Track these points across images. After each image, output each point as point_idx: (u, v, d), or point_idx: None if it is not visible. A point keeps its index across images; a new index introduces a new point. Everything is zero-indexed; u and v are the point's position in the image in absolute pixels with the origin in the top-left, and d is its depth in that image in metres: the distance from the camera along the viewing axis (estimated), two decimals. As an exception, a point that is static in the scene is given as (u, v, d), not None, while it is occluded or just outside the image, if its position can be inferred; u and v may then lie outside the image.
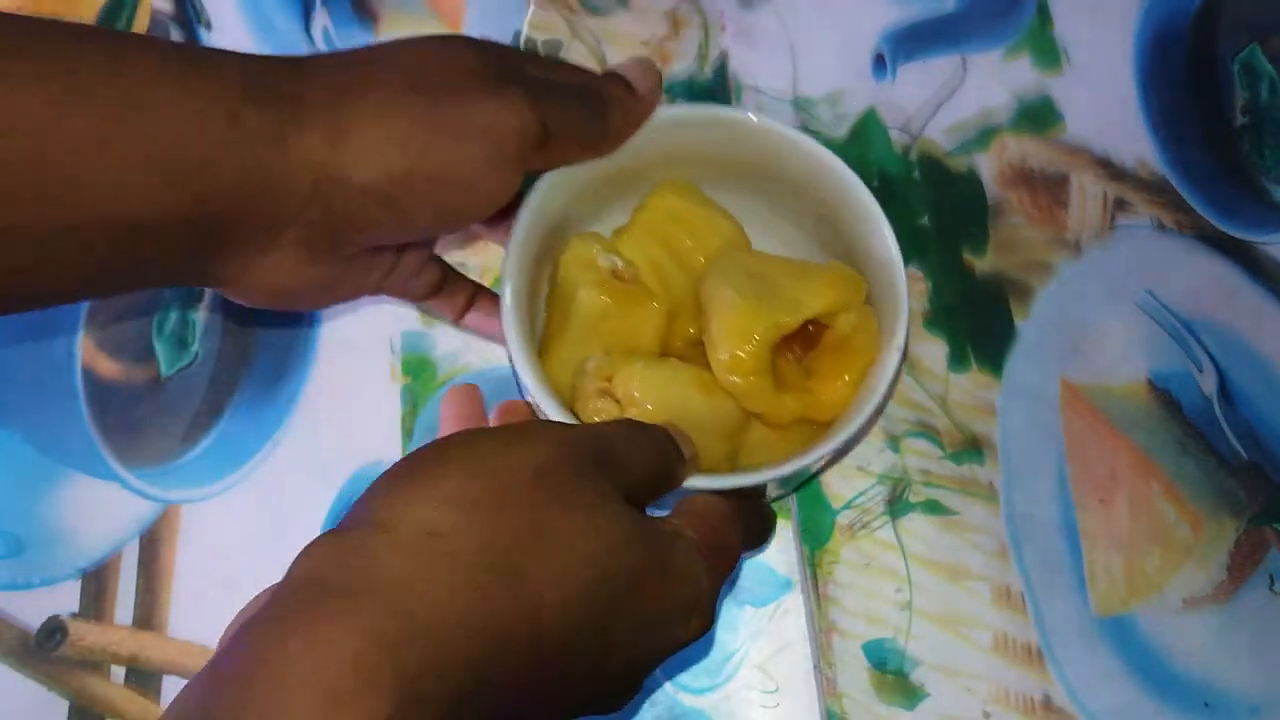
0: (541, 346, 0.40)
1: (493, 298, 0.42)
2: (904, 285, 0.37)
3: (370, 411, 0.46)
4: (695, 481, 0.35)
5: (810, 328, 0.38)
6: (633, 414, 0.36)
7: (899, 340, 0.37)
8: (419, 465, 0.29)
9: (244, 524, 0.44)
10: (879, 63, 0.51)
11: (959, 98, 0.50)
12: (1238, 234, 0.49)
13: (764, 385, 0.37)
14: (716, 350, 0.37)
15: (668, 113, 0.39)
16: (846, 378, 0.38)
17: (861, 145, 0.49)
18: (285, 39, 0.50)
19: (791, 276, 0.37)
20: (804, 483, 0.44)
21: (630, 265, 0.39)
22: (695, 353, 0.40)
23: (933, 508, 0.45)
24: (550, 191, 0.38)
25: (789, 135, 0.39)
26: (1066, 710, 0.43)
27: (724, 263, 0.39)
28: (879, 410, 0.37)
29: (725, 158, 0.41)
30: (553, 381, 0.37)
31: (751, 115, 0.40)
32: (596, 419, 0.36)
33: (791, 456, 0.37)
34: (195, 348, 0.46)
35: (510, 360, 0.37)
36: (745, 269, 0.38)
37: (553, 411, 0.36)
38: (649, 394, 0.36)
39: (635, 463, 0.32)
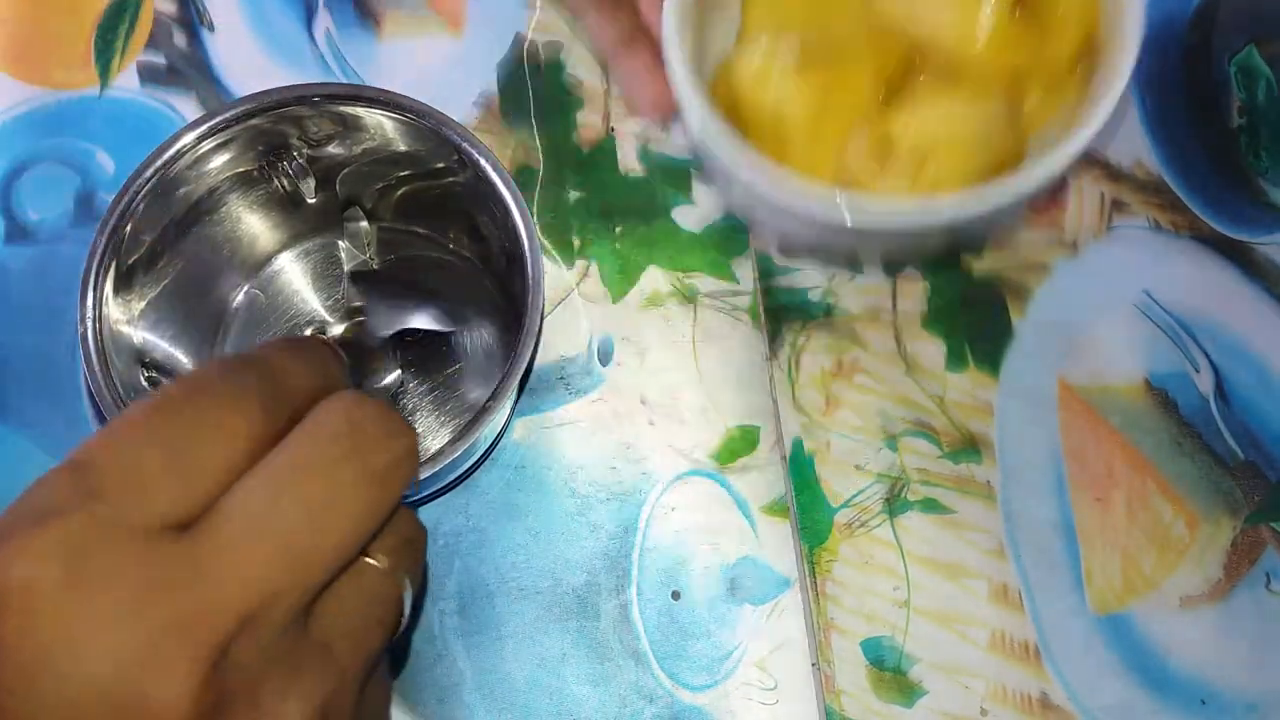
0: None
1: None
2: None
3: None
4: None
5: None
6: (919, 163, 0.33)
7: None
8: None
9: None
10: (877, 64, 0.51)
11: (957, 99, 0.51)
12: (1235, 234, 0.49)
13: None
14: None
15: None
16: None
17: (860, 146, 0.50)
18: (287, 40, 0.51)
19: None
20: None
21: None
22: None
23: (931, 506, 0.45)
24: None
25: None
26: (1064, 708, 0.43)
27: None
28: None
29: None
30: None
31: None
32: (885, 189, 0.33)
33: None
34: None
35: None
36: None
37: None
38: (928, 134, 0.33)
39: None
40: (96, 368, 0.36)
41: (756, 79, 0.35)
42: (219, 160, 0.39)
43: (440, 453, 0.35)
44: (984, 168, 0.34)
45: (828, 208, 0.31)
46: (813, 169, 0.34)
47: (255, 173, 0.40)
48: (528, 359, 0.36)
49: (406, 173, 0.42)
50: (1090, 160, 0.50)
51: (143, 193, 0.37)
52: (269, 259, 0.45)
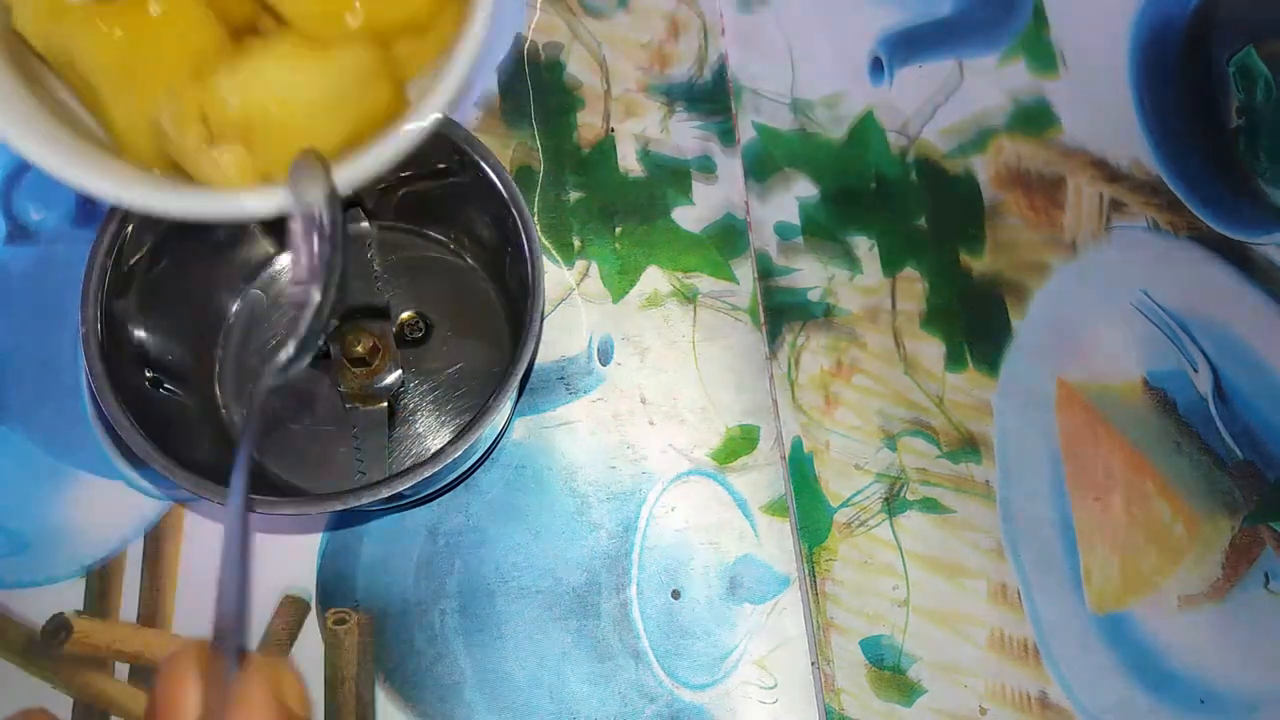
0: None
1: None
2: None
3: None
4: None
5: None
6: (250, 138, 0.27)
7: None
8: None
9: (247, 522, 0.45)
10: (876, 66, 0.51)
11: (956, 100, 0.51)
12: (1232, 235, 0.49)
13: None
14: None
15: None
16: None
17: (859, 147, 0.50)
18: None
19: None
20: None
21: None
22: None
23: (930, 506, 0.45)
24: None
25: None
26: (1063, 707, 0.43)
27: None
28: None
29: None
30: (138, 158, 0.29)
31: None
32: (217, 171, 0.27)
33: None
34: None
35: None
36: None
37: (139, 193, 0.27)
38: (254, 102, 0.27)
39: None
40: (97, 368, 0.36)
41: (42, 14, 0.27)
42: None
43: (440, 453, 0.36)
44: (348, 133, 0.29)
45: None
46: (127, 138, 0.28)
47: None
48: (528, 359, 0.36)
49: (406, 173, 0.42)
50: (1089, 160, 0.50)
51: None
52: (269, 259, 0.45)
